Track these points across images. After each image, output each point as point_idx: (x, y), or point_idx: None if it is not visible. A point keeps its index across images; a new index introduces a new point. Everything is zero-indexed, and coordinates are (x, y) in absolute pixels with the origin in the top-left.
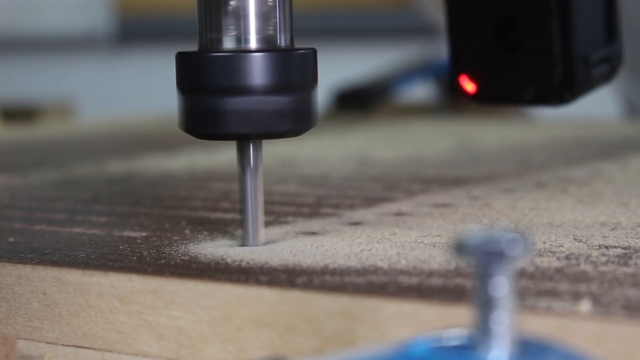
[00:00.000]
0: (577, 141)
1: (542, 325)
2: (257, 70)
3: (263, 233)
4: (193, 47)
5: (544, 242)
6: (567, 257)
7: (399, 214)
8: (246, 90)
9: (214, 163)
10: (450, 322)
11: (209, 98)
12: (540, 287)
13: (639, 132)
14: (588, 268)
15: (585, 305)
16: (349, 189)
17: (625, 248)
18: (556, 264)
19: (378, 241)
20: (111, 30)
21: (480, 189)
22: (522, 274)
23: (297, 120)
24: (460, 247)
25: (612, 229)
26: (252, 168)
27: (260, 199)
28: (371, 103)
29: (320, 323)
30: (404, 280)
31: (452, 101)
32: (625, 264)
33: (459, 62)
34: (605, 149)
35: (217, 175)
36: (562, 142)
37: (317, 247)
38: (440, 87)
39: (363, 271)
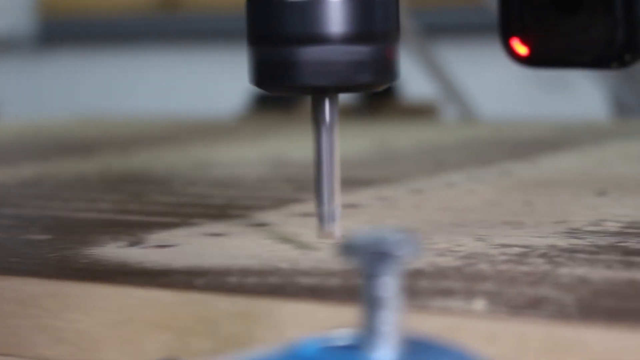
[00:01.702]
0: (491, 142)
1: (436, 325)
2: (336, 17)
3: (339, 198)
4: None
5: (445, 242)
6: (466, 257)
7: (306, 214)
8: (323, 39)
9: (128, 165)
10: (346, 322)
11: (282, 48)
12: (437, 286)
13: (552, 132)
14: (486, 267)
15: (479, 304)
16: (259, 190)
17: (525, 247)
18: (455, 263)
19: (282, 242)
20: (33, 32)
21: (390, 190)
22: (419, 273)
23: (378, 73)
24: (347, 248)
25: (515, 228)
26: (328, 125)
27: (337, 160)
28: (291, 104)
29: (218, 325)
30: (303, 281)
31: (372, 102)
32: (523, 263)
33: (510, 24)
34: (517, 149)
35: (130, 176)
36: (476, 142)
37: (220, 249)
38: None
39: (263, 272)
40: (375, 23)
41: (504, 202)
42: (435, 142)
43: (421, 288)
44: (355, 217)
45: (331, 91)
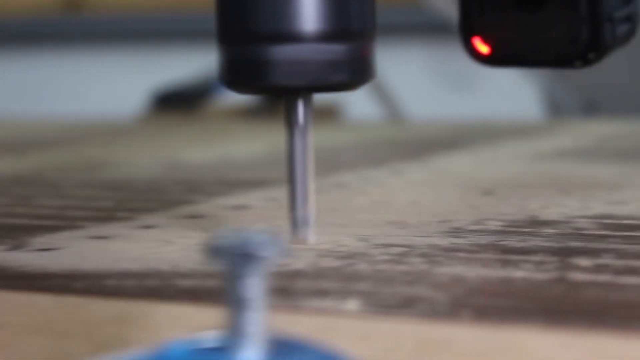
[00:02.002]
0: (386, 142)
1: (310, 325)
2: (310, 14)
3: (313, 204)
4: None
5: (328, 243)
6: (347, 257)
7: (194, 216)
8: (296, 37)
9: (19, 168)
10: (222, 324)
11: (253, 46)
12: (314, 287)
13: (449, 132)
14: (365, 267)
15: (352, 304)
16: (150, 192)
17: (406, 246)
18: (335, 263)
19: (165, 244)
20: None
21: (281, 191)
22: (299, 274)
23: (354, 72)
24: (212, 250)
25: (399, 228)
26: (302, 127)
27: (310, 163)
28: (192, 105)
29: (95, 328)
30: (181, 283)
31: (270, 103)
32: (402, 262)
33: (471, 23)
34: (412, 150)
35: (21, 179)
36: (371, 143)
37: (103, 252)
38: None
39: (142, 275)
40: (351, 20)
41: (392, 202)
42: (331, 144)
43: (298, 289)
44: (244, 218)
45: (305, 92)
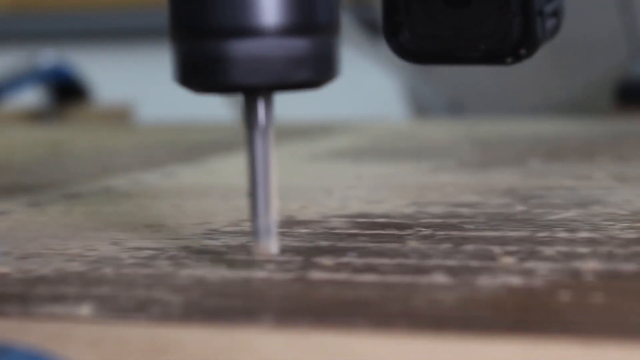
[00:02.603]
0: (167, 145)
1: (43, 332)
2: (270, 6)
3: (276, 210)
4: None
5: (79, 247)
6: (95, 261)
7: None
8: (256, 31)
9: None
10: None
11: (209, 42)
12: (54, 292)
13: (233, 134)
14: (109, 271)
15: (85, 309)
16: None
17: (156, 249)
18: (80, 268)
19: None
20: None
21: (45, 196)
22: (42, 280)
23: (318, 69)
24: None
25: (154, 231)
26: (263, 128)
27: (273, 167)
28: None
29: None
30: None
31: (60, 107)
32: (148, 266)
33: (396, 19)
34: (191, 152)
35: None
36: (151, 146)
37: None
38: (49, 93)
39: None
40: (316, 13)
41: (154, 205)
42: (111, 147)
43: (37, 295)
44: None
45: (265, 90)
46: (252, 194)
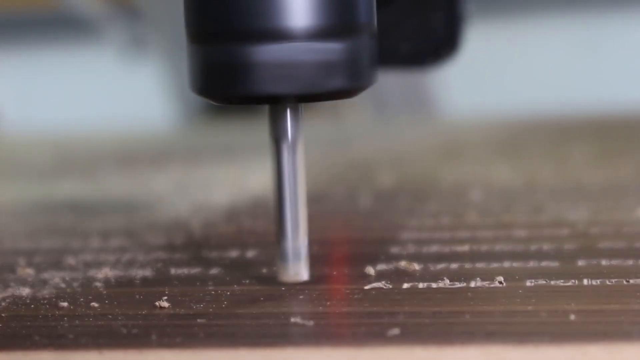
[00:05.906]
0: None
1: None
2: (299, 7)
3: (306, 231)
4: None
5: None
6: None
7: None
8: (283, 35)
9: None
10: None
11: (231, 47)
12: None
13: None
14: None
15: None
16: None
17: None
18: None
19: None
20: None
21: None
22: None
23: (352, 76)
24: None
25: None
26: (291, 142)
27: (302, 184)
28: None
29: None
30: None
31: None
32: None
33: None
34: None
35: None
36: None
37: None
38: None
39: None
40: (350, 13)
41: None
42: None
43: None
44: None
45: (293, 100)
46: (280, 214)
